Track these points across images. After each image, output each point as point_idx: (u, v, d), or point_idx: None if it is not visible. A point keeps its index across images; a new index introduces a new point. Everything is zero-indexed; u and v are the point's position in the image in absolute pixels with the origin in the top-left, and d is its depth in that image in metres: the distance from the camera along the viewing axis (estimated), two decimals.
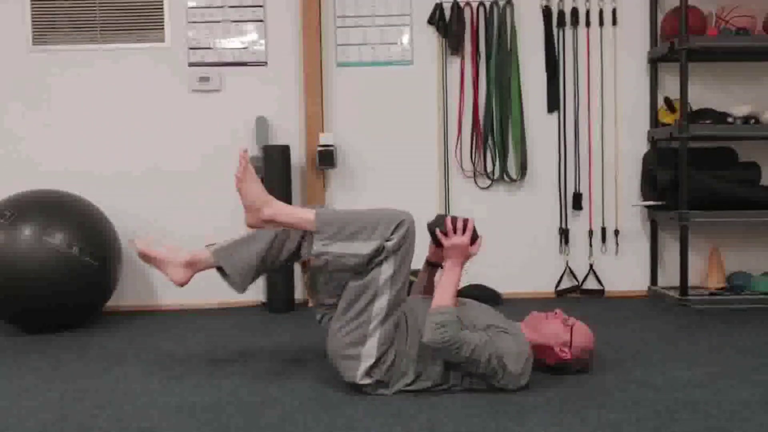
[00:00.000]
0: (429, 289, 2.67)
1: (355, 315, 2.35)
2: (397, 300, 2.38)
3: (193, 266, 2.60)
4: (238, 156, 2.63)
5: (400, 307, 2.42)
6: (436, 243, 2.53)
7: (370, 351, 2.34)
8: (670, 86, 4.20)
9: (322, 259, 2.36)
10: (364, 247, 2.33)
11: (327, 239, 2.36)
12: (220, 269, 2.58)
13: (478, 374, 2.35)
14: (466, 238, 2.46)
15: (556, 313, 2.56)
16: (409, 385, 2.39)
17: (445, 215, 2.52)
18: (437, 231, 2.49)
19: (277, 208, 2.48)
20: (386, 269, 2.35)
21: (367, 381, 2.36)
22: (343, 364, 2.38)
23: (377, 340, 2.34)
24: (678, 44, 3.83)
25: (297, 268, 4.13)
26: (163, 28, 4.18)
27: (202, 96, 4.20)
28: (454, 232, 2.46)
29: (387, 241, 2.33)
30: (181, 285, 2.63)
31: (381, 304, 2.35)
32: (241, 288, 2.57)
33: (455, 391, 2.39)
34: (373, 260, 2.34)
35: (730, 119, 3.96)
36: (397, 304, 2.38)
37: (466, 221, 2.48)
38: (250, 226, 2.54)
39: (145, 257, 2.62)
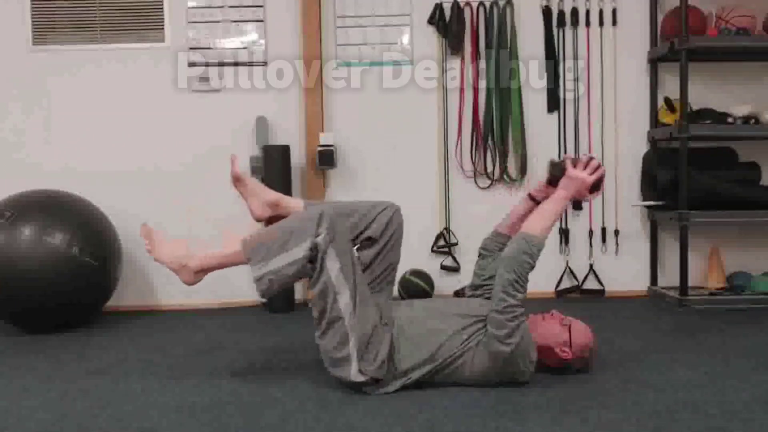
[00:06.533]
0: (518, 225, 2.56)
1: (329, 320, 2.36)
2: (360, 288, 2.38)
3: (277, 208, 2.66)
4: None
5: (369, 293, 2.44)
6: (554, 178, 2.51)
7: (356, 345, 2.34)
8: (670, 86, 4.20)
9: (265, 281, 2.37)
10: (297, 252, 2.34)
11: (260, 261, 2.37)
12: None
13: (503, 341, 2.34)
14: (591, 178, 2.46)
15: (552, 314, 2.56)
16: (411, 380, 2.40)
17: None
18: (567, 158, 2.49)
19: (201, 259, 2.49)
20: (332, 266, 2.34)
21: (361, 379, 2.36)
22: (337, 368, 2.39)
23: (357, 331, 2.34)
24: (678, 44, 3.83)
25: None
26: (163, 28, 4.18)
27: (202, 96, 4.20)
28: (585, 168, 2.46)
29: (316, 236, 2.33)
30: (258, 220, 2.70)
31: (345, 299, 2.35)
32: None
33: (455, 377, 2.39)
34: (314, 262, 2.34)
35: (730, 119, 3.96)
36: (360, 291, 2.37)
37: (600, 167, 2.47)
38: (188, 283, 2.54)
39: (238, 181, 2.66)
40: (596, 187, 2.48)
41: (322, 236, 2.33)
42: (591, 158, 2.50)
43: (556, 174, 2.53)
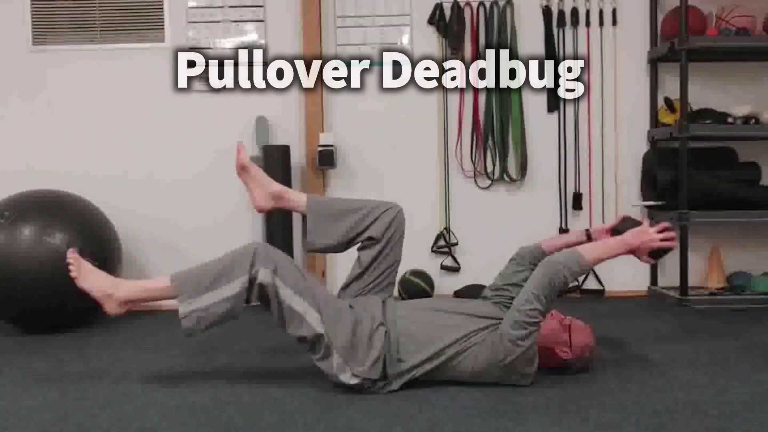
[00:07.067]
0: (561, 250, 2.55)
1: (312, 340, 2.38)
2: (320, 298, 2.39)
3: (280, 200, 2.67)
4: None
5: (333, 297, 2.48)
6: (621, 229, 2.57)
7: (340, 352, 2.35)
8: (670, 86, 4.20)
9: (192, 318, 2.38)
10: (228, 290, 2.36)
11: (189, 298, 2.38)
12: (304, 218, 2.65)
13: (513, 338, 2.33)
14: (659, 243, 2.48)
15: (552, 314, 2.56)
16: (413, 377, 2.40)
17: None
18: (646, 220, 2.57)
19: (128, 290, 2.48)
20: (285, 294, 2.36)
21: (356, 381, 2.36)
22: (332, 376, 2.40)
23: (335, 340, 2.35)
24: (678, 44, 3.83)
25: None
26: (162, 28, 4.18)
27: (201, 96, 4.20)
28: (658, 232, 2.50)
29: (253, 276, 2.34)
30: (260, 211, 2.71)
31: (312, 316, 2.36)
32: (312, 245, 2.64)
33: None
34: (262, 296, 2.36)
35: (730, 119, 3.96)
36: (321, 300, 2.39)
37: (673, 240, 2.52)
38: (113, 314, 2.53)
39: (243, 169, 2.65)
40: (657, 254, 2.53)
41: (262, 272, 2.34)
42: (669, 228, 2.54)
43: (624, 229, 2.58)
